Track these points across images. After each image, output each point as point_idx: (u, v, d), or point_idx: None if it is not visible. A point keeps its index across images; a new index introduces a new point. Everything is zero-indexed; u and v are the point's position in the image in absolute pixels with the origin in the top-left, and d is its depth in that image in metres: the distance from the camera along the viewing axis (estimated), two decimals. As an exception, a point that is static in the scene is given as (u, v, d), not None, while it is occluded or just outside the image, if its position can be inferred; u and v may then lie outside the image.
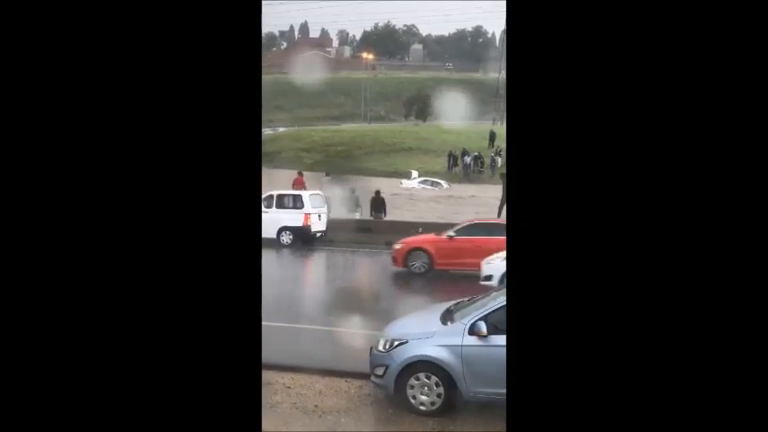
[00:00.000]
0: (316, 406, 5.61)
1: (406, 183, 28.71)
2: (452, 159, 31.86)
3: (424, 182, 29.09)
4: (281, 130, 46.05)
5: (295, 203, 15.29)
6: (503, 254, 9.48)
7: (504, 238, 7.29)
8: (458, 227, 12.33)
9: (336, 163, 32.50)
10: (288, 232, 15.03)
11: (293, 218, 15.01)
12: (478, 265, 10.07)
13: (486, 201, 18.66)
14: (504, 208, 14.11)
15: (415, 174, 30.49)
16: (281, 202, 15.28)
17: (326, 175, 18.63)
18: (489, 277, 9.63)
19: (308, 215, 15.11)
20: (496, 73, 46.61)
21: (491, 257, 10.00)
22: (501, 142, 28.48)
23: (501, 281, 9.06)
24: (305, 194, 15.60)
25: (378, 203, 17.45)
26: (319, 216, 15.50)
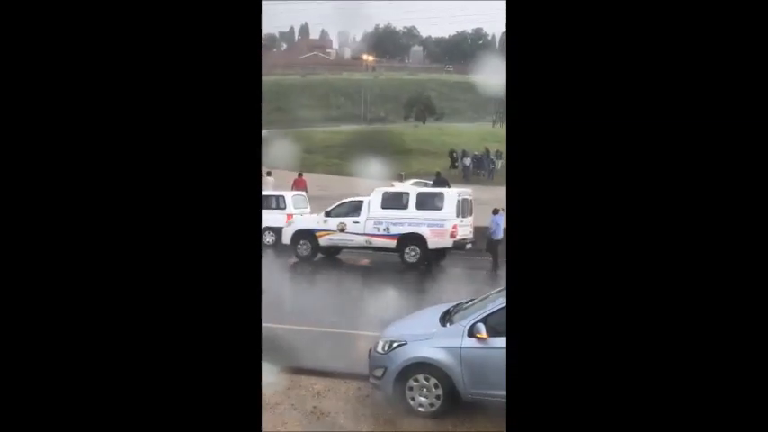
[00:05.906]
0: (314, 407, 5.59)
1: (398, 186, 28.43)
2: (452, 160, 31.64)
3: (416, 183, 28.84)
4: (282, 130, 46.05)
5: (278, 204, 15.28)
6: None
7: None
8: None
9: (336, 165, 32.40)
10: (271, 233, 14.99)
11: (276, 218, 14.97)
12: None
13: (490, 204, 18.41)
14: None
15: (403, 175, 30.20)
16: (264, 203, 15.20)
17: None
18: None
19: (290, 215, 15.11)
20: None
21: None
22: (501, 146, 28.29)
23: None
24: (287, 195, 15.65)
25: None
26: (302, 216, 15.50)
